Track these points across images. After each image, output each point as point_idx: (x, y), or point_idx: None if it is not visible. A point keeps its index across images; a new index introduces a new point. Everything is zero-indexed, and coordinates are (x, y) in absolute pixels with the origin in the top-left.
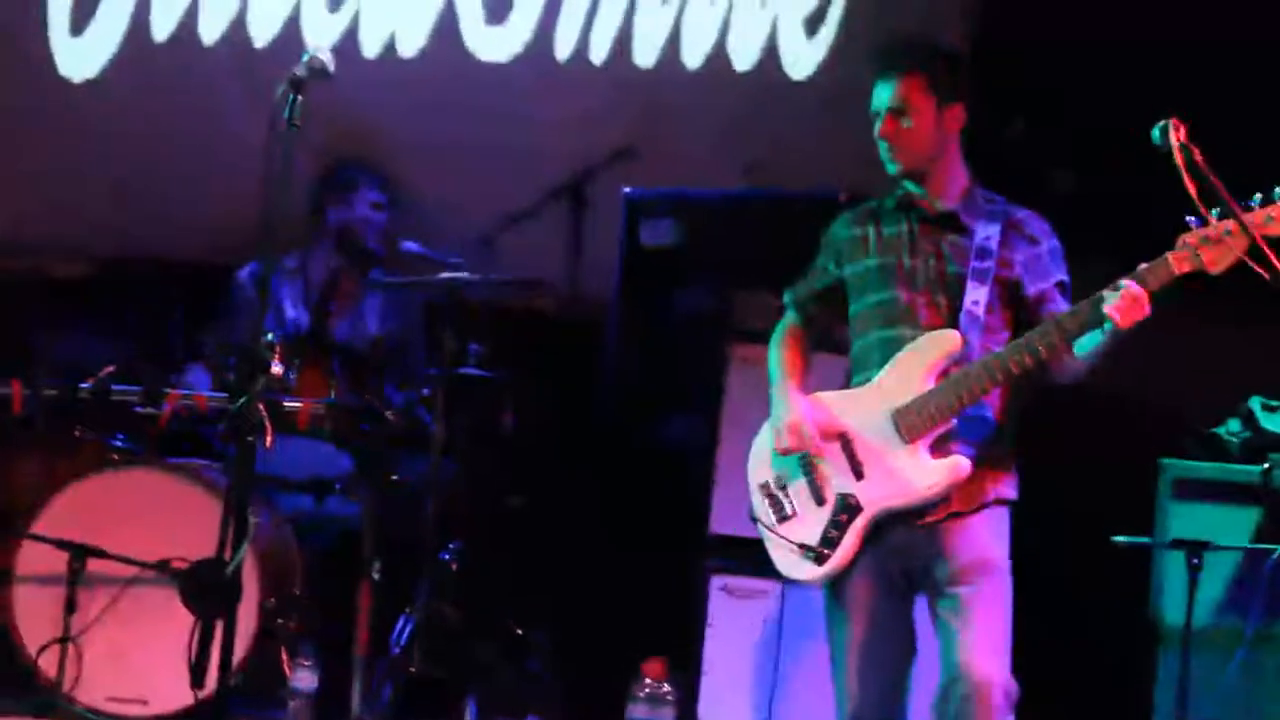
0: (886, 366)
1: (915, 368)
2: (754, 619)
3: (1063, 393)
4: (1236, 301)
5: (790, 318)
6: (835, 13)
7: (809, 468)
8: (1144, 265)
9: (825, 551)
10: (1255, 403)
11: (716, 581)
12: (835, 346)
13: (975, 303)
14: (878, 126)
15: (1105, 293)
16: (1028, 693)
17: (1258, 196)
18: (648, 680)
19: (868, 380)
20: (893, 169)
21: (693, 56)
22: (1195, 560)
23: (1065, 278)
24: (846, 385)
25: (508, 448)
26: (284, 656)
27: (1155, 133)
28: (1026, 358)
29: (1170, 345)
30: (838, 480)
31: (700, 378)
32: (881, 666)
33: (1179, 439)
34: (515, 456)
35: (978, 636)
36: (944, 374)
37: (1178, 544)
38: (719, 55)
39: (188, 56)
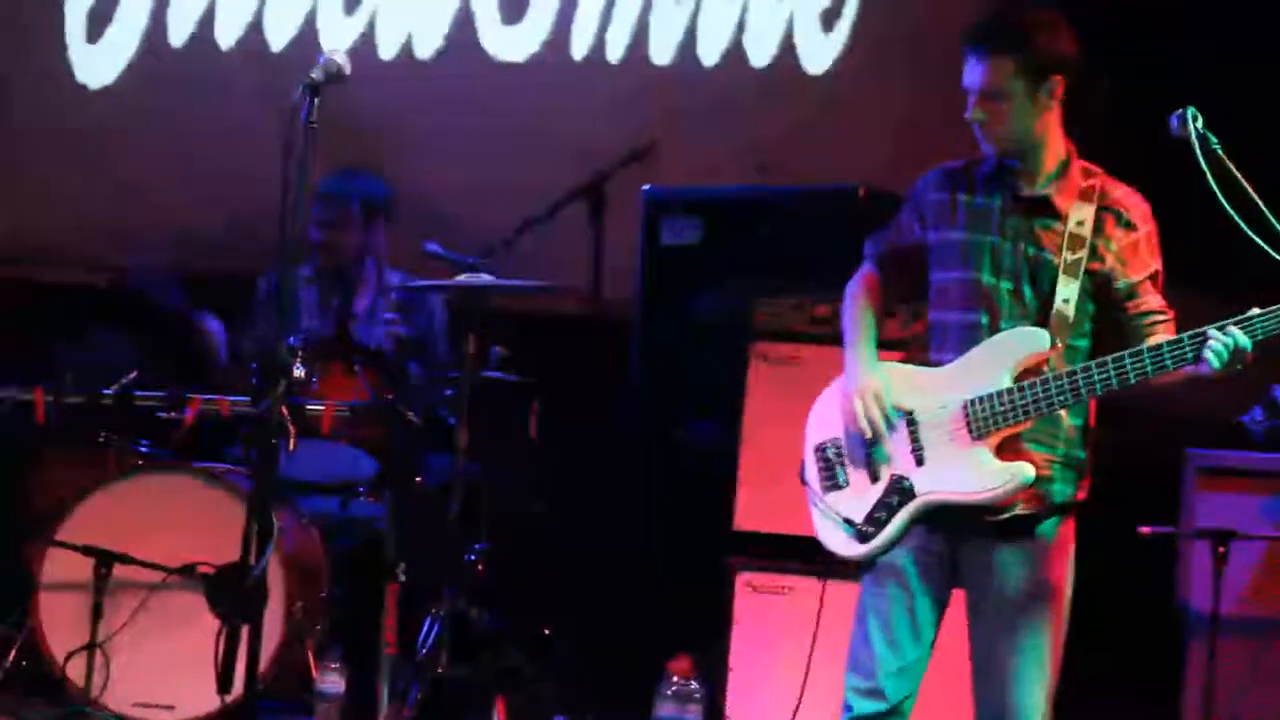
0: (968, 353)
1: (997, 361)
2: (780, 615)
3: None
4: (1261, 289)
5: (870, 270)
6: (851, 7)
7: (870, 441)
8: (1258, 311)
9: (869, 530)
10: (1278, 390)
11: (742, 579)
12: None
13: (1066, 300)
14: (970, 106)
15: (1212, 333)
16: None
17: None
18: (675, 678)
19: (942, 362)
20: (989, 150)
21: (709, 53)
22: (1221, 549)
23: (1159, 266)
24: (914, 355)
25: (532, 449)
26: (311, 660)
27: (1173, 121)
28: (1114, 382)
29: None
30: (897, 460)
31: (723, 375)
32: (904, 654)
33: (1203, 428)
34: (539, 457)
35: (1031, 674)
36: (1025, 372)
37: (1203, 533)
38: (736, 51)
39: (204, 61)
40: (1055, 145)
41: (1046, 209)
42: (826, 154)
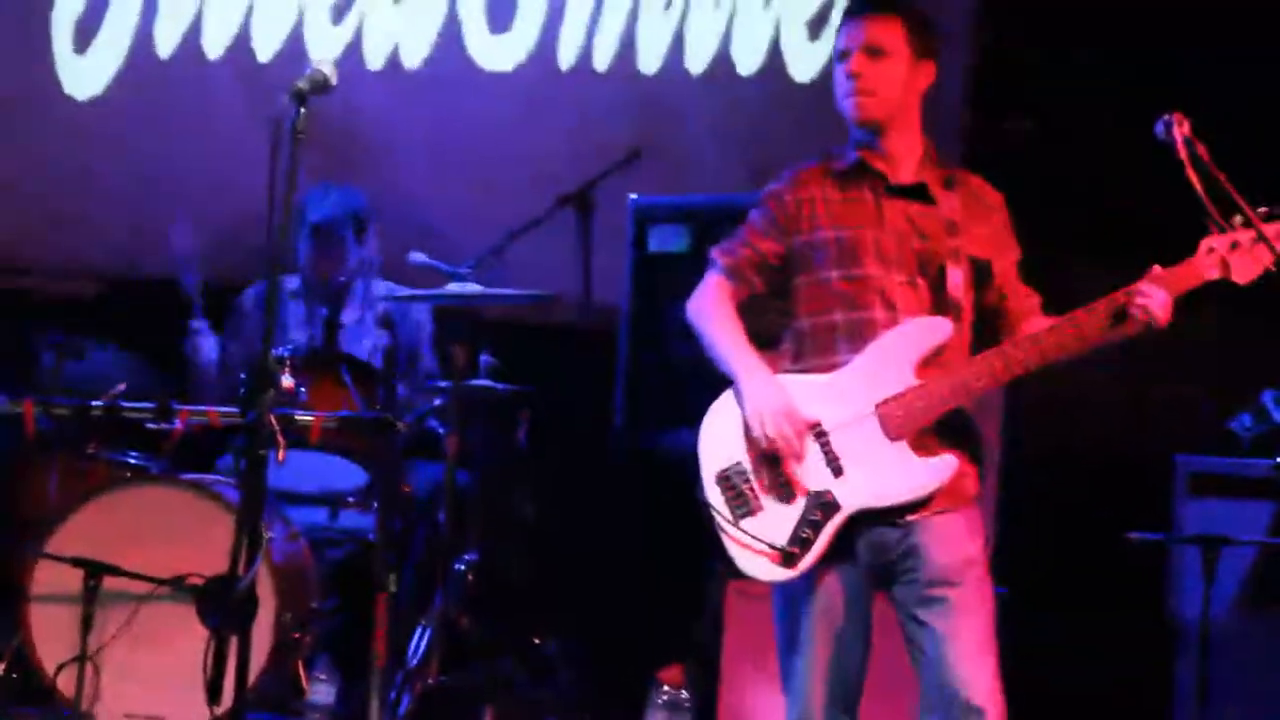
0: (864, 352)
1: (900, 356)
2: (771, 621)
3: (1075, 389)
4: (1249, 296)
5: (723, 280)
6: (837, 14)
7: (776, 459)
8: (1160, 270)
9: (795, 552)
10: (1268, 397)
11: (733, 585)
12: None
13: (956, 285)
14: (845, 64)
15: (1128, 294)
16: (1048, 693)
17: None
18: (666, 687)
19: (829, 366)
20: (855, 113)
21: (696, 61)
22: (1211, 555)
23: (1019, 254)
24: (791, 362)
25: (521, 457)
26: (301, 670)
27: (1159, 127)
28: (1034, 358)
29: (1182, 341)
30: (812, 476)
31: (712, 383)
32: (843, 666)
33: (1193, 435)
34: (529, 466)
35: (974, 649)
36: (928, 364)
37: (1194, 539)
38: (723, 59)
39: (192, 72)
40: (915, 134)
41: (922, 196)
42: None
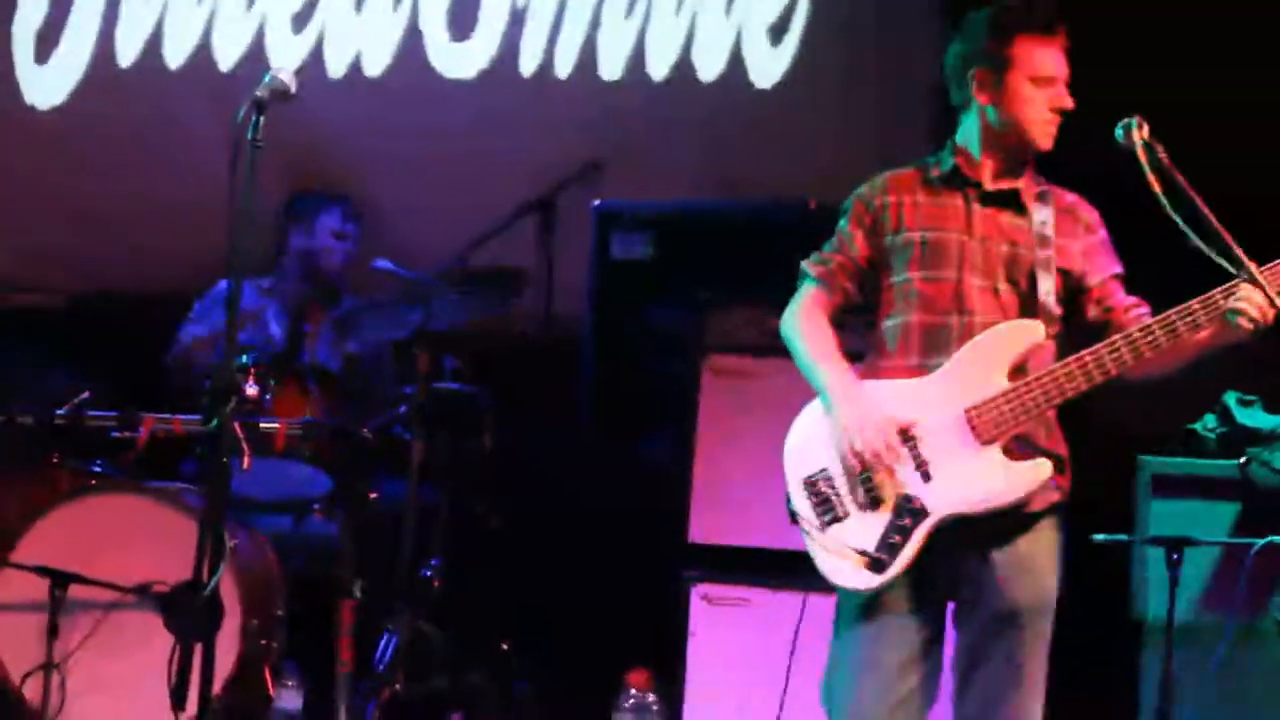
0: (954, 356)
1: (990, 360)
2: (736, 626)
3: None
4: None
5: (812, 287)
6: (799, 21)
7: (864, 466)
8: (1254, 265)
9: (885, 559)
10: (1231, 397)
11: (697, 590)
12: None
13: (1048, 293)
14: (1052, 90)
15: (1225, 293)
16: None
17: None
18: (632, 691)
19: (908, 367)
20: (1049, 145)
21: (658, 68)
22: (1175, 556)
23: (1121, 269)
24: (871, 364)
25: (487, 464)
26: (268, 677)
27: (1118, 131)
28: (1128, 356)
29: None
30: (901, 481)
31: (675, 388)
32: (899, 690)
33: (1156, 435)
34: (494, 471)
35: (1027, 695)
36: (1019, 368)
37: (1157, 540)
38: (684, 66)
39: (154, 82)
40: None
41: (1014, 204)
42: (776, 167)
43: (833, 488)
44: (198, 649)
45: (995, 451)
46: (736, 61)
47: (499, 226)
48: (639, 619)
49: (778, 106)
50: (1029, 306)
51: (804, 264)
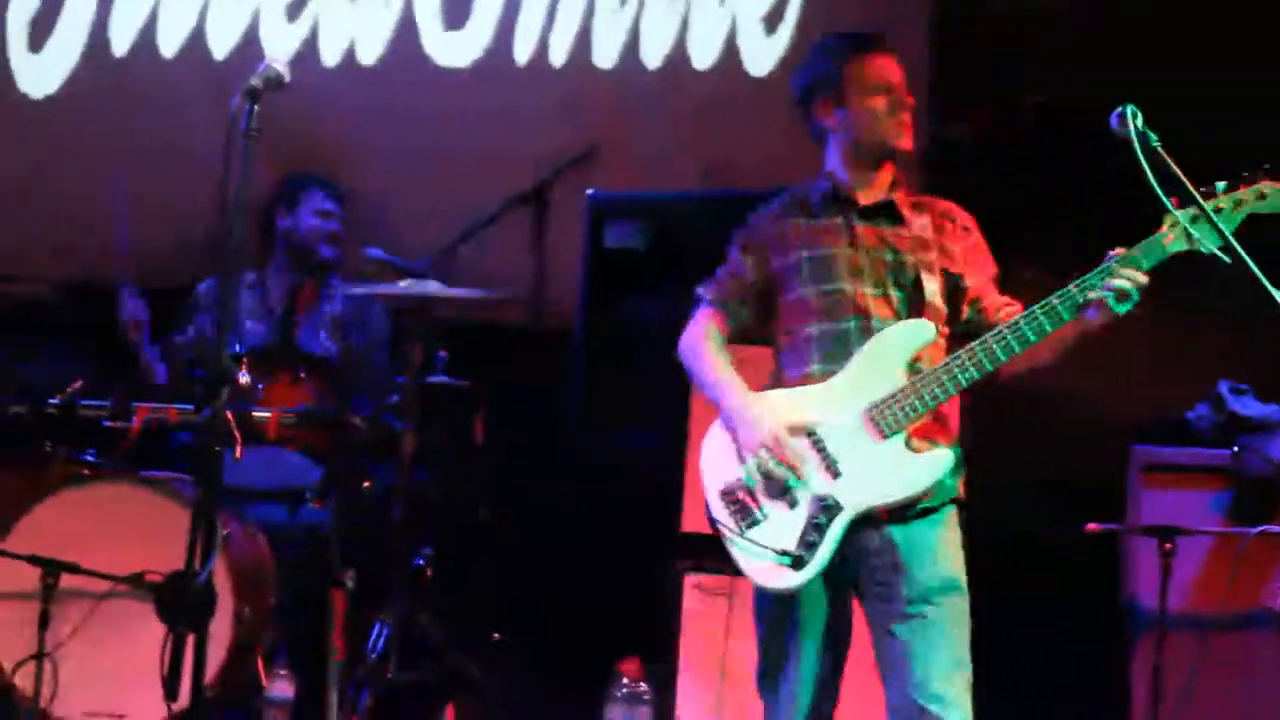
0: (852, 359)
1: (886, 360)
2: (728, 616)
3: (1031, 380)
4: (1201, 285)
5: (711, 313)
6: (793, 9)
7: (776, 469)
8: (1122, 250)
9: (805, 556)
10: (1224, 386)
11: (689, 580)
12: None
13: (934, 294)
14: (891, 96)
15: (1099, 275)
16: (1003, 684)
17: (1222, 184)
18: (625, 680)
19: (810, 374)
20: (899, 144)
21: (652, 56)
22: (1167, 545)
23: (996, 270)
24: (773, 379)
25: (478, 453)
26: (260, 666)
27: (1113, 119)
28: (1014, 342)
29: (1137, 331)
30: (812, 481)
31: (668, 379)
32: (825, 669)
33: (1148, 425)
34: (485, 461)
35: (946, 661)
36: (913, 366)
37: (1149, 530)
38: (679, 54)
39: (148, 70)
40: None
41: (892, 214)
42: (771, 156)
43: (749, 494)
44: (190, 638)
45: (898, 446)
46: (731, 50)
47: (493, 215)
48: (631, 608)
49: (772, 95)
50: (919, 307)
51: (698, 288)
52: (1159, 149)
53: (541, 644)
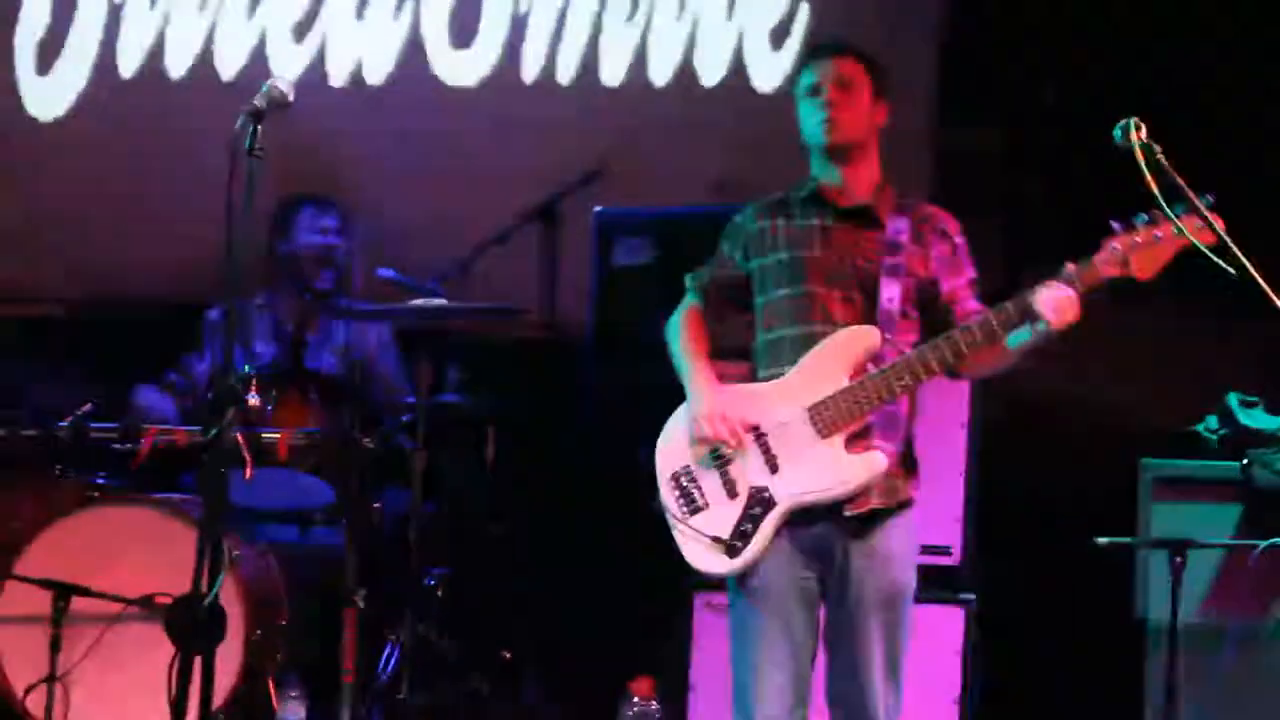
0: (802, 361)
1: (833, 363)
2: None
3: (1041, 394)
4: (1209, 298)
5: (692, 300)
6: (800, 24)
7: (721, 460)
8: (1071, 266)
9: (738, 545)
10: (1233, 399)
11: (700, 599)
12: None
13: (890, 299)
14: (820, 97)
15: (1035, 291)
16: (1017, 698)
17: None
18: (636, 699)
19: (779, 375)
20: (826, 140)
21: (660, 73)
22: (1179, 558)
23: (975, 275)
24: (751, 379)
25: (489, 472)
26: (271, 688)
27: (1116, 132)
28: (949, 354)
29: (1146, 344)
30: (752, 473)
31: (677, 395)
32: (786, 665)
33: (1158, 438)
34: (496, 481)
35: (882, 675)
36: (861, 370)
37: (1160, 543)
38: (686, 70)
39: (156, 92)
40: (874, 165)
41: (867, 218)
42: (778, 172)
43: (694, 482)
44: (199, 660)
45: (836, 445)
46: (738, 66)
47: (502, 233)
48: (642, 626)
49: (779, 110)
50: (872, 313)
51: (687, 277)
52: (1162, 160)
53: (553, 662)
